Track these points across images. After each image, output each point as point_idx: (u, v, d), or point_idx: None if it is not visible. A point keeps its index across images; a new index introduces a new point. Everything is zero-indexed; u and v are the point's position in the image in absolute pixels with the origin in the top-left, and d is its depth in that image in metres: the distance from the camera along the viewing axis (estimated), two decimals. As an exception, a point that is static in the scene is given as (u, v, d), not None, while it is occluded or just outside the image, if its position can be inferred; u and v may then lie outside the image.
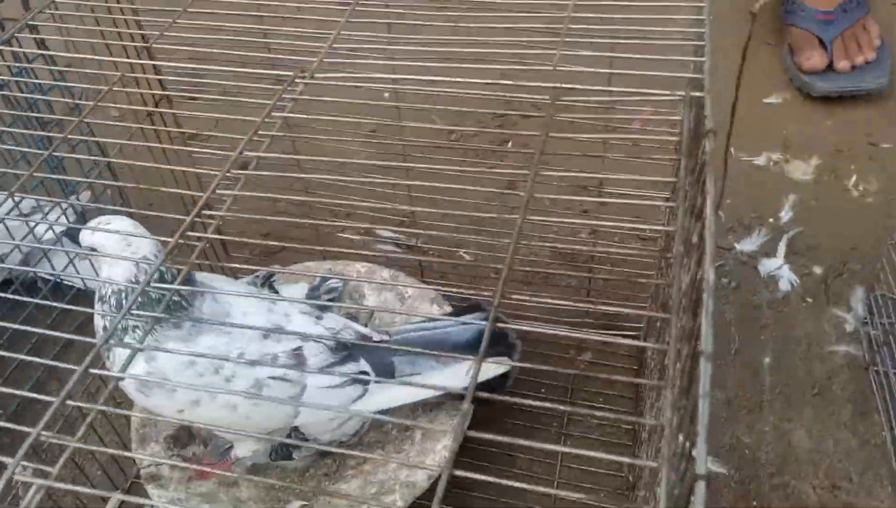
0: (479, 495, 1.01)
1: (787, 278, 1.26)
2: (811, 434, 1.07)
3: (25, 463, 0.45)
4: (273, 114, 0.70)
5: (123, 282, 0.81)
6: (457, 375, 0.93)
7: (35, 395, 0.54)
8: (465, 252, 1.18)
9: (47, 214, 1.29)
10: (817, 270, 1.28)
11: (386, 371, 0.94)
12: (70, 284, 1.29)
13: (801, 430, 1.07)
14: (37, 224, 1.20)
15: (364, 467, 1.01)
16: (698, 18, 0.70)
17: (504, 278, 0.52)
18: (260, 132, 0.69)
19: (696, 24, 0.69)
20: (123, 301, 0.82)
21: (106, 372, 0.62)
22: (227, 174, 0.64)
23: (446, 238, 1.10)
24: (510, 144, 1.41)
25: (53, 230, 1.27)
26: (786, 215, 1.37)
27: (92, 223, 0.84)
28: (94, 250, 0.84)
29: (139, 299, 0.74)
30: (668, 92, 0.67)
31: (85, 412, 0.52)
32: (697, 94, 0.61)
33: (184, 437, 1.04)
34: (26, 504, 0.43)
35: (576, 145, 0.77)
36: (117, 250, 0.82)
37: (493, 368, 0.92)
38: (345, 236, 1.22)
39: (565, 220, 1.06)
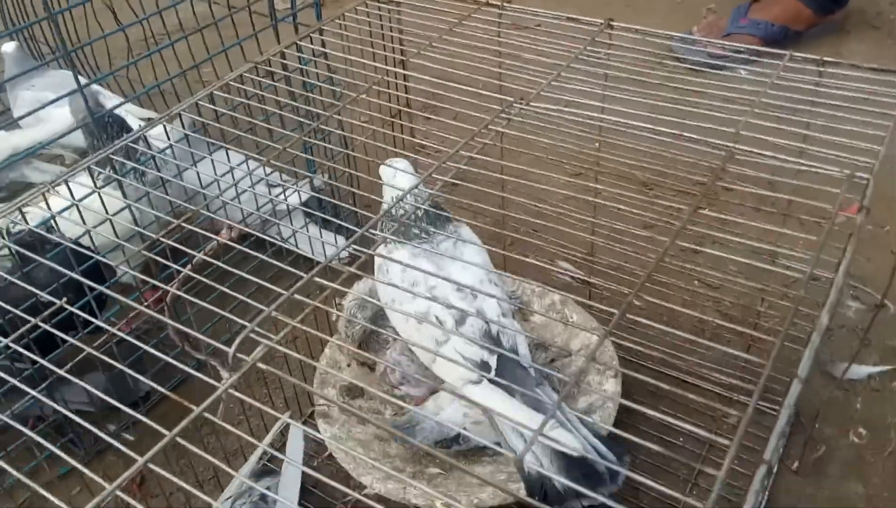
0: None
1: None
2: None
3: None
4: (489, 127, 0.84)
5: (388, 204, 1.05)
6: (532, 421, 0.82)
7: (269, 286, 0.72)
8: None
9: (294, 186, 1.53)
10: None
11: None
12: (290, 249, 1.52)
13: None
14: (283, 191, 1.45)
15: (499, 458, 1.12)
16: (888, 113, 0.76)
17: (638, 287, 0.62)
18: (476, 139, 0.84)
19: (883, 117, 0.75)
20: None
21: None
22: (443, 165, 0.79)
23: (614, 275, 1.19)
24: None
25: (295, 197, 1.52)
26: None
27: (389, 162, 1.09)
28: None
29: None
30: (835, 169, 0.73)
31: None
32: (863, 175, 0.67)
33: (355, 390, 1.21)
34: (252, 356, 0.60)
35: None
36: (388, 180, 1.07)
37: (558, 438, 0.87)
38: (528, 260, 1.34)
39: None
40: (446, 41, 1.10)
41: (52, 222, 1.06)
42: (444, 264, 1.05)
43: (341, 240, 1.58)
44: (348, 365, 1.26)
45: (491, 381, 0.98)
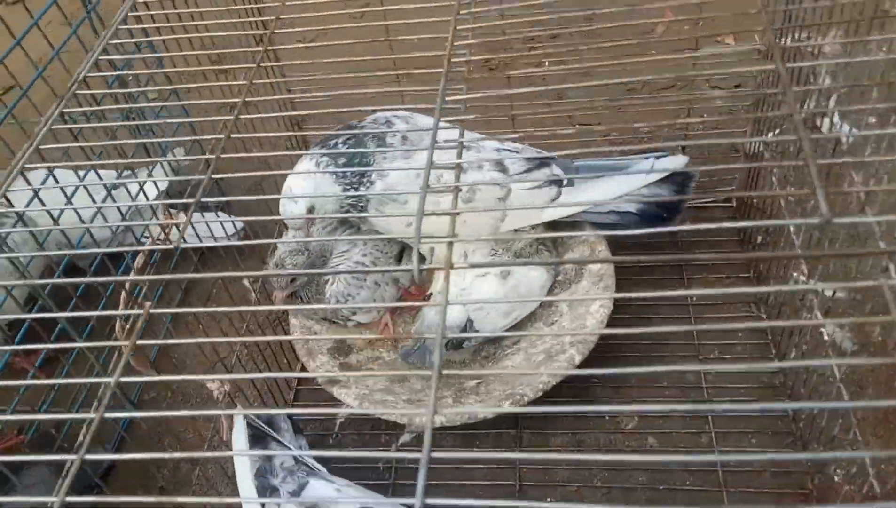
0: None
1: None
2: None
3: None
4: None
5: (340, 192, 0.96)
6: (639, 175, 1.04)
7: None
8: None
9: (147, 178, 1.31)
10: None
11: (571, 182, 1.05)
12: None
13: None
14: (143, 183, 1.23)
15: (520, 345, 1.06)
16: None
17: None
18: None
19: None
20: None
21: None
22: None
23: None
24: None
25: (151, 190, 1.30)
26: None
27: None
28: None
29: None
30: None
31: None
32: None
33: (344, 348, 1.09)
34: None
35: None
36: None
37: (671, 161, 1.05)
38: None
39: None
40: None
41: None
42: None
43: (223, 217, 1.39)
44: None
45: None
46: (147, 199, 1.30)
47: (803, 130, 0.47)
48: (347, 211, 0.98)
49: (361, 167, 0.94)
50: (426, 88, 0.61)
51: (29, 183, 0.61)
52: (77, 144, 0.66)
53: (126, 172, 1.29)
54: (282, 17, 0.78)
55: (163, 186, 1.32)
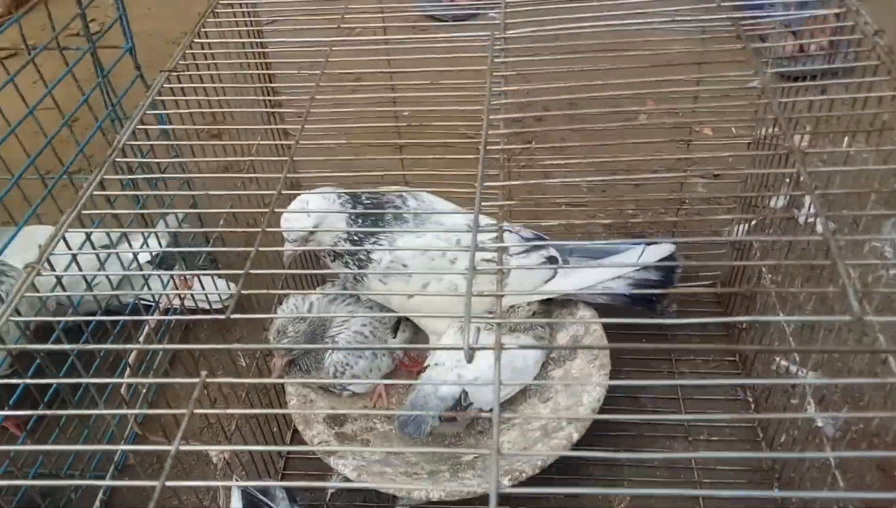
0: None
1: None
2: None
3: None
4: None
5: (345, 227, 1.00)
6: (630, 257, 1.10)
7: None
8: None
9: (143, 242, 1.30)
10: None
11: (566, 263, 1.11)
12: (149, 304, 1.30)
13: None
14: (138, 251, 1.22)
15: (514, 421, 1.07)
16: None
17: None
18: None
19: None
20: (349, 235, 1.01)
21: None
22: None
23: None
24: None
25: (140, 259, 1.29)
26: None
27: (295, 207, 0.97)
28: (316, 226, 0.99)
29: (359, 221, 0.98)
30: None
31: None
32: None
33: (339, 417, 1.09)
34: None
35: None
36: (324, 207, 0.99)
37: (659, 250, 1.11)
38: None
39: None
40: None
41: None
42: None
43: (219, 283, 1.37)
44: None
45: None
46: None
47: (829, 231, 0.51)
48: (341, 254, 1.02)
49: (375, 226, 0.99)
50: (464, 173, 0.64)
51: (69, 247, 0.62)
52: (114, 211, 0.67)
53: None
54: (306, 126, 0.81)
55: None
